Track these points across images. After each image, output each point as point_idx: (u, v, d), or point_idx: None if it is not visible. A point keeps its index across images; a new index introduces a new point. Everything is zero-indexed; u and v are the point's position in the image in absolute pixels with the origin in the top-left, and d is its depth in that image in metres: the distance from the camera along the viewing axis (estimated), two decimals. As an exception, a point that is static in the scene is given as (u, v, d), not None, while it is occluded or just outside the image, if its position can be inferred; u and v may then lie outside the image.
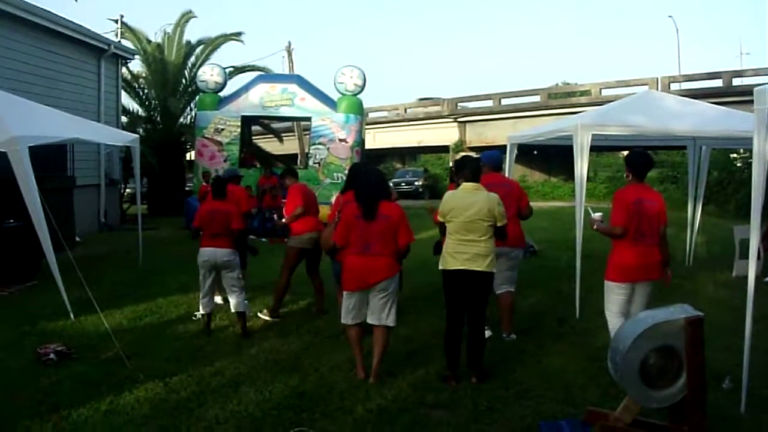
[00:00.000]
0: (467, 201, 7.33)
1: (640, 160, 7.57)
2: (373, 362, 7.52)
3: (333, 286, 9.99)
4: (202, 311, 9.78)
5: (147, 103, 30.93)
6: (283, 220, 10.64)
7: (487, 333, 8.35)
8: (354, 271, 7.44)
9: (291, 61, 45.51)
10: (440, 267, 7.47)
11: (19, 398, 6.83)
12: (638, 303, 7.39)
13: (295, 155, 42.19)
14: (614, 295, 7.45)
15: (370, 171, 8.15)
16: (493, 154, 9.45)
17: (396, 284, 7.65)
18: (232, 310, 9.75)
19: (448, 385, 7.23)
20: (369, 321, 7.59)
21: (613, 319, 7.43)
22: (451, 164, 10.58)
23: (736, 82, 37.22)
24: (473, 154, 10.76)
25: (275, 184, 20.39)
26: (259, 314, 10.30)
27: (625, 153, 8.44)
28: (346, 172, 15.79)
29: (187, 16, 31.11)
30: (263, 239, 18.63)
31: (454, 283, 7.40)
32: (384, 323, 7.51)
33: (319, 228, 9.98)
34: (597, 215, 7.73)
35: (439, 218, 7.51)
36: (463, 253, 7.28)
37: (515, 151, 14.03)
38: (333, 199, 9.93)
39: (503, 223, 7.43)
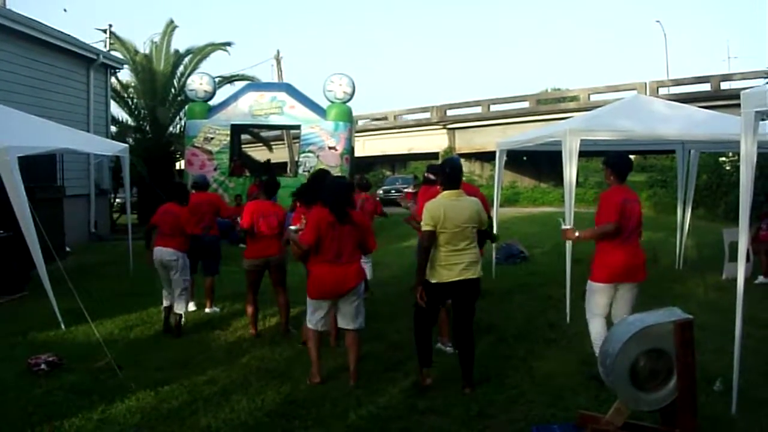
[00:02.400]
0: (456, 209, 7.16)
1: (621, 161, 7.56)
2: (351, 365, 7.64)
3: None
4: (163, 304, 10.31)
5: (136, 112, 30.86)
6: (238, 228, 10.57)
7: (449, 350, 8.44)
8: (325, 281, 7.45)
9: (280, 69, 45.57)
10: (433, 280, 7.18)
11: (10, 409, 6.82)
12: (622, 306, 7.35)
13: (284, 163, 42.16)
14: (598, 297, 7.42)
15: (339, 178, 8.27)
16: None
17: (363, 287, 7.77)
18: (174, 309, 10.12)
19: (424, 384, 7.27)
20: (341, 325, 7.77)
21: (595, 322, 7.43)
22: (427, 174, 10.45)
23: (725, 85, 37.38)
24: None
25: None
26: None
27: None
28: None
29: (171, 26, 31.08)
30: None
31: (447, 295, 7.34)
32: (356, 327, 7.64)
33: (268, 252, 9.75)
34: (567, 226, 7.77)
35: (427, 228, 7.15)
36: (458, 263, 7.12)
37: (504, 158, 14.06)
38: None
39: (485, 227, 7.37)
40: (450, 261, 7.12)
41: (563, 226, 7.76)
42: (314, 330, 7.64)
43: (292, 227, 8.27)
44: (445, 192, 7.31)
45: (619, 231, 7.26)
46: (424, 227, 7.18)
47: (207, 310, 11.31)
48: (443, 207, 7.16)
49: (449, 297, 7.40)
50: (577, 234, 7.59)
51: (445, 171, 7.41)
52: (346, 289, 7.44)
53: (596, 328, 7.41)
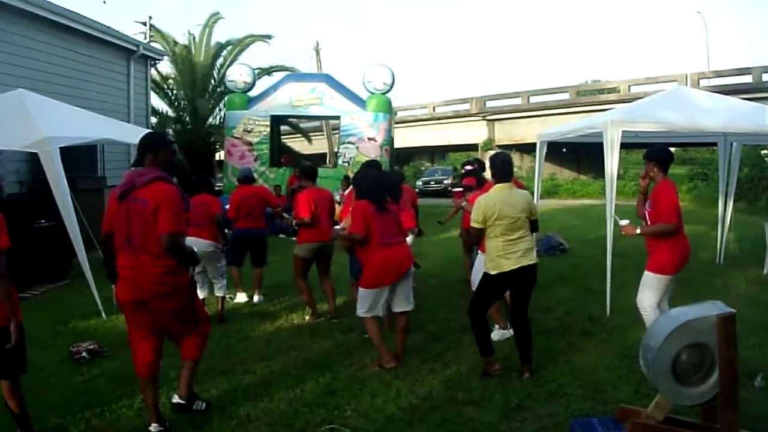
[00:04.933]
0: (509, 201, 7.33)
1: (666, 154, 7.66)
2: (399, 348, 7.93)
3: (347, 285, 10.66)
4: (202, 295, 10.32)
5: (176, 103, 31.06)
6: (294, 222, 10.66)
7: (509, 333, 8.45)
8: (389, 264, 7.71)
9: (319, 60, 45.61)
10: (493, 271, 7.35)
11: (52, 396, 6.89)
12: (668, 294, 7.50)
13: (324, 154, 42.25)
14: (662, 288, 7.45)
15: (377, 171, 8.87)
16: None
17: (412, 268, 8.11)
18: (216, 294, 10.45)
19: (494, 372, 7.41)
20: (396, 309, 7.97)
21: (654, 313, 7.37)
22: (464, 170, 11.15)
23: (767, 77, 36.95)
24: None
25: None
26: (306, 317, 10.42)
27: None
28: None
29: (215, 17, 31.22)
30: (293, 238, 18.55)
31: (507, 283, 7.42)
32: (409, 308, 7.99)
33: (325, 237, 9.93)
34: (625, 222, 7.72)
35: (476, 225, 7.34)
36: (516, 251, 7.26)
37: (545, 149, 13.97)
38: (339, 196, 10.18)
39: (536, 217, 7.57)
40: (508, 250, 7.24)
41: (622, 222, 7.74)
42: (374, 317, 7.88)
43: (338, 227, 8.81)
44: (498, 185, 7.47)
45: (680, 227, 7.38)
46: (474, 224, 7.37)
47: (255, 299, 11.50)
48: (497, 201, 7.29)
49: (510, 286, 7.48)
50: (638, 231, 7.58)
51: (496, 165, 7.56)
52: (406, 269, 7.88)
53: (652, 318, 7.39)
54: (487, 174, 8.61)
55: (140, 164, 6.04)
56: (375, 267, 7.72)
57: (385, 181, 8.09)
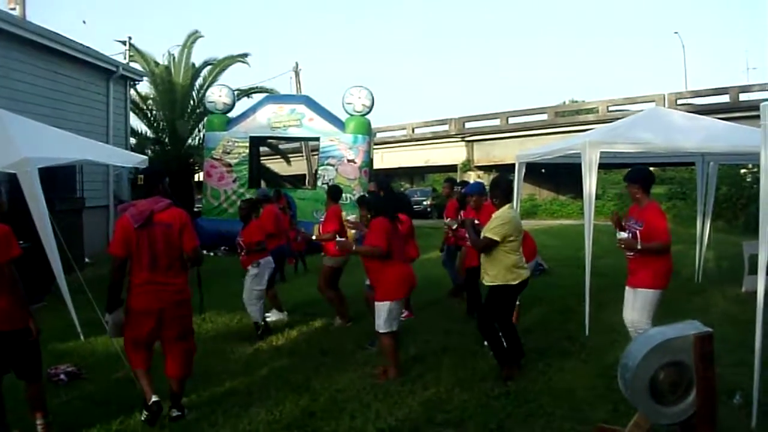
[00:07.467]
0: (517, 219, 8.22)
1: (649, 176, 8.01)
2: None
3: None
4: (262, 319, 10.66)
5: (155, 124, 30.92)
6: (314, 237, 11.34)
7: None
8: (408, 278, 8.37)
9: (298, 81, 45.61)
10: (515, 281, 8.00)
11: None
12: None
13: (303, 176, 42.17)
14: (656, 304, 7.70)
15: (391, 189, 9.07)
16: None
17: None
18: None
19: (513, 379, 7.83)
20: None
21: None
22: (462, 191, 11.75)
23: (743, 97, 37.16)
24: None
25: (284, 205, 20.18)
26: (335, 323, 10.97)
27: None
28: (355, 192, 16.62)
29: (194, 37, 31.05)
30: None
31: (519, 291, 8.27)
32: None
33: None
34: (624, 235, 7.74)
35: (497, 238, 7.88)
36: (524, 262, 8.21)
37: (523, 170, 13.99)
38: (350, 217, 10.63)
39: None
40: (521, 262, 8.12)
41: (622, 235, 7.78)
42: (389, 333, 8.15)
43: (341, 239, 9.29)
44: (506, 206, 8.13)
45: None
46: (496, 237, 7.90)
47: (275, 315, 11.60)
48: (513, 220, 8.03)
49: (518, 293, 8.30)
50: (639, 247, 7.63)
51: (502, 187, 8.26)
52: (415, 284, 8.55)
53: None
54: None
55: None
56: (397, 280, 8.16)
57: (398, 199, 8.99)
